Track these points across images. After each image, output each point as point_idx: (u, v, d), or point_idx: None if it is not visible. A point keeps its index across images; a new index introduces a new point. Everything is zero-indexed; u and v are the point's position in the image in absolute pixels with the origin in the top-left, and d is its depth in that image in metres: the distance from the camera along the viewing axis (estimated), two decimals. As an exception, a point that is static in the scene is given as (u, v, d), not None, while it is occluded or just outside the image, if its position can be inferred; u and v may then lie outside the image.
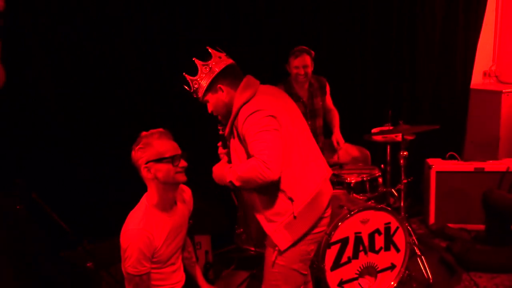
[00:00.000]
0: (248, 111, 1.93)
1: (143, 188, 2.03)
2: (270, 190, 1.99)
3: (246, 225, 3.09)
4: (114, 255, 2.04)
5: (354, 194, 3.05)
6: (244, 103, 1.96)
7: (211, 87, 2.04)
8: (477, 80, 4.80)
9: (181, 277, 2.14)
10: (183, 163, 1.96)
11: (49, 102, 2.89)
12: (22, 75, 2.76)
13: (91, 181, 3.03)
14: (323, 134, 3.61)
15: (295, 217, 1.99)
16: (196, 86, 2.05)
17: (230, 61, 2.09)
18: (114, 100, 3.10)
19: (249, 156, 1.94)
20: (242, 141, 1.98)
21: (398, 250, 2.86)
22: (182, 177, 1.97)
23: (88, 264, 2.37)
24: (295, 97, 3.39)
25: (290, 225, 2.01)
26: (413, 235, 3.28)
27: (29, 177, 2.25)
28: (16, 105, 2.78)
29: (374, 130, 3.53)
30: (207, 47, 2.05)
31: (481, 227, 3.65)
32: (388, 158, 3.52)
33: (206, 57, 2.04)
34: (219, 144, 2.18)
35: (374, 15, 4.05)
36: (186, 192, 2.21)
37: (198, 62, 2.04)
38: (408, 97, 4.38)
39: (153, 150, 1.90)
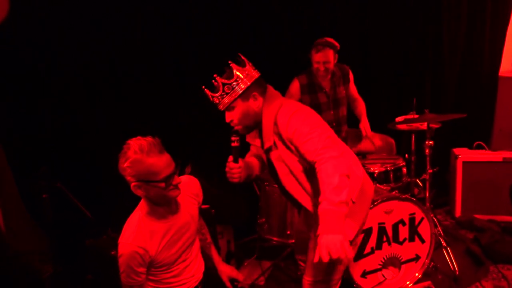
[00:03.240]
0: (287, 113, 1.87)
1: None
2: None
3: (268, 215, 3.08)
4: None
5: (377, 184, 3.01)
6: (278, 110, 1.91)
7: (244, 93, 1.91)
8: (506, 67, 4.64)
9: (195, 270, 2.08)
10: (176, 180, 1.80)
11: (74, 92, 2.93)
12: (46, 67, 2.81)
13: (115, 169, 3.07)
14: (346, 123, 3.56)
15: (353, 202, 1.91)
16: (227, 90, 1.89)
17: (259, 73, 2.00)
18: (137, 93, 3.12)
19: (301, 159, 1.88)
20: (289, 146, 1.90)
21: (423, 241, 2.82)
22: (175, 193, 1.83)
23: (112, 252, 2.41)
24: (318, 87, 3.35)
25: (351, 212, 1.87)
26: (438, 226, 3.21)
27: (54, 166, 2.29)
28: (42, 94, 2.83)
29: (398, 119, 3.46)
30: (239, 54, 1.94)
31: (510, 218, 3.56)
32: (413, 147, 3.45)
33: (240, 62, 1.92)
34: (230, 158, 2.01)
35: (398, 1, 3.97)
36: (193, 185, 2.09)
37: (234, 66, 1.90)
38: (433, 85, 4.28)
39: (144, 169, 1.72)
